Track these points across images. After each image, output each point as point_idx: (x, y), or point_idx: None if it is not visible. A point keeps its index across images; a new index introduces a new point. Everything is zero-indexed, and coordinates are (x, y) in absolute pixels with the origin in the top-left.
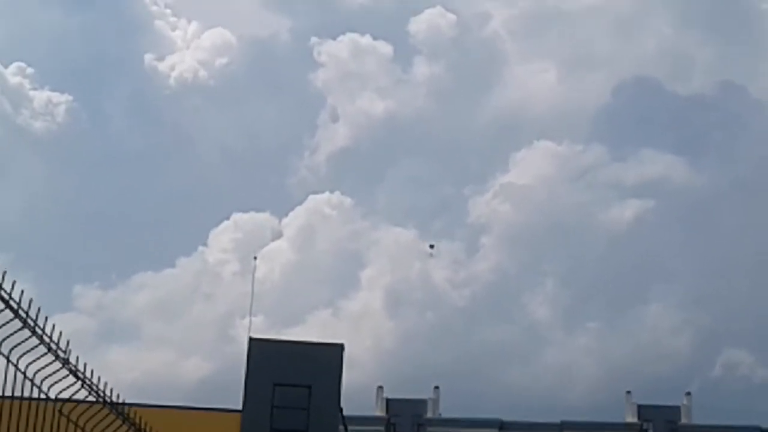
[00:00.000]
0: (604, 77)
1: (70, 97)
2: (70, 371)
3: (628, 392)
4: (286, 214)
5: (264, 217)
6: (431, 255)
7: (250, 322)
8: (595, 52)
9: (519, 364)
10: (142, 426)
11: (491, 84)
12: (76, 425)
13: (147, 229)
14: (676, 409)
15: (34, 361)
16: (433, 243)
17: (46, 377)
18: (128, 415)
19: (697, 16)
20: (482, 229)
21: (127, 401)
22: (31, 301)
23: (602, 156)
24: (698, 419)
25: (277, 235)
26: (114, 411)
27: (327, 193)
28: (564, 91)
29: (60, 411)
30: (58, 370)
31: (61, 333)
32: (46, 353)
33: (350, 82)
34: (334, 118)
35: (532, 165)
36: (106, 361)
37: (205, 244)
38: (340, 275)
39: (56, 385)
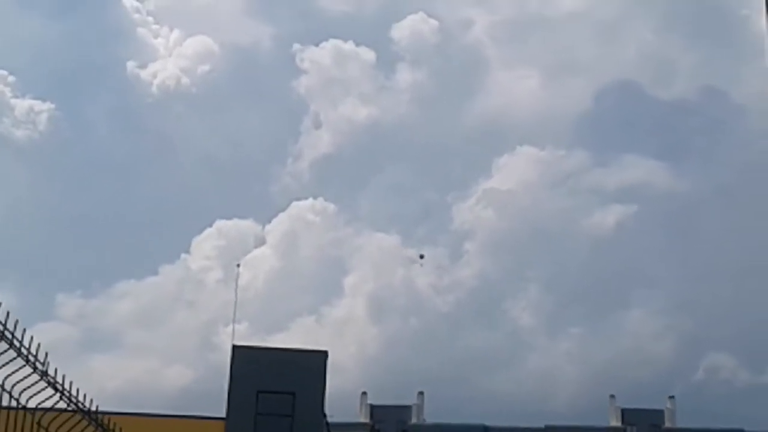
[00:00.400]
0: (587, 83)
1: (53, 105)
2: (49, 383)
3: (612, 396)
4: (269, 221)
5: (247, 224)
6: (421, 265)
7: (234, 329)
8: (578, 58)
9: (503, 370)
10: None
11: (474, 90)
12: None
13: (129, 236)
14: (659, 413)
15: (12, 373)
16: (423, 254)
17: (24, 389)
18: (108, 425)
19: (679, 22)
20: (465, 235)
21: (109, 410)
22: (8, 313)
23: (585, 161)
24: (682, 423)
25: (261, 242)
26: (93, 421)
27: (310, 200)
28: (546, 96)
29: (39, 423)
30: (36, 382)
31: (39, 345)
32: (24, 365)
33: (333, 89)
34: (317, 125)
35: (515, 171)
36: (89, 369)
37: (187, 252)
38: (323, 282)
39: (35, 397)
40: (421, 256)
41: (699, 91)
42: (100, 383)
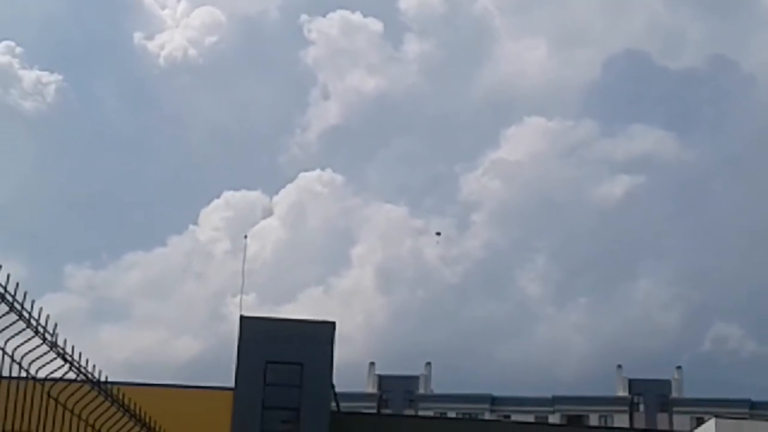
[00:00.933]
0: (595, 52)
1: (60, 77)
2: (58, 354)
3: (619, 366)
4: (277, 192)
5: (255, 195)
6: (437, 242)
7: (242, 300)
8: (586, 28)
9: (510, 340)
10: (131, 406)
11: (482, 61)
12: (64, 407)
13: (138, 208)
14: (666, 383)
15: (21, 344)
16: (439, 231)
17: (33, 360)
18: (116, 395)
19: None
20: (473, 206)
21: (118, 380)
22: (17, 285)
23: (593, 132)
24: (689, 393)
25: (268, 213)
26: (102, 392)
27: (318, 171)
28: (554, 66)
29: (48, 393)
30: (45, 353)
31: (48, 316)
32: (33, 336)
33: (341, 60)
34: (326, 96)
35: (523, 141)
36: (98, 340)
37: (196, 223)
38: (331, 253)
39: (44, 368)
40: (438, 233)
41: (708, 61)
42: (108, 354)
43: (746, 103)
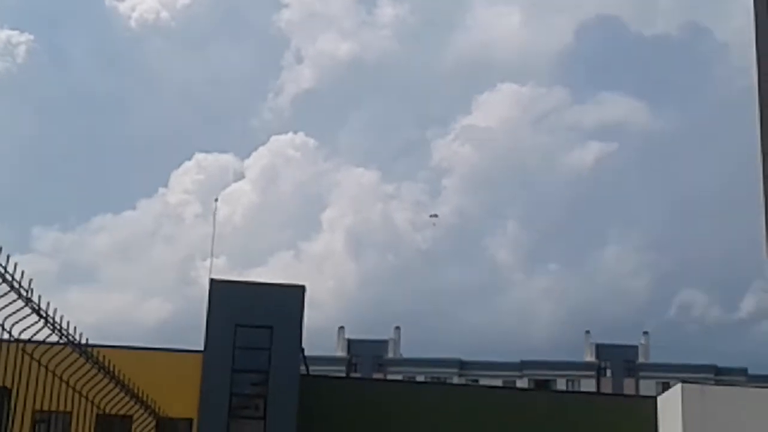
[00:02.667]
0: (568, 19)
1: (31, 37)
2: (33, 309)
3: (587, 332)
4: (249, 156)
5: (227, 158)
6: (434, 224)
7: (212, 263)
8: None
9: (480, 306)
10: (107, 366)
11: (455, 26)
12: (39, 363)
13: (107, 171)
14: (633, 349)
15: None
16: (435, 213)
17: (8, 316)
18: (92, 354)
19: None
20: (444, 172)
21: (88, 342)
22: None
23: (565, 98)
24: (655, 358)
25: (239, 177)
26: (78, 350)
27: (290, 134)
28: (528, 33)
29: (23, 350)
30: (20, 309)
31: (23, 272)
32: (8, 291)
33: (314, 23)
34: (299, 60)
35: (495, 107)
36: (66, 302)
37: (166, 186)
38: (302, 217)
39: (19, 324)
40: (434, 215)
41: (682, 28)
42: (77, 316)
43: (719, 70)
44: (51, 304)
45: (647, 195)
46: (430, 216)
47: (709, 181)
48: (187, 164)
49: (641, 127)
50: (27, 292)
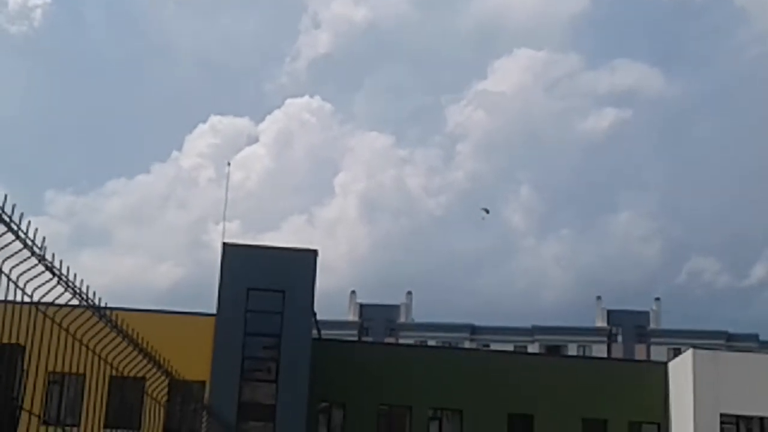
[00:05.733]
0: None
1: (48, 0)
2: (47, 267)
3: (598, 298)
4: (263, 119)
5: (242, 122)
6: (483, 218)
7: (224, 227)
8: None
9: (491, 271)
10: (124, 328)
11: None
12: (53, 321)
13: (121, 134)
14: (644, 314)
15: (9, 257)
16: (487, 208)
17: (21, 274)
18: (107, 315)
19: None
20: (458, 137)
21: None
22: (6, 196)
23: (580, 64)
24: (666, 324)
25: (253, 140)
26: (93, 311)
27: (306, 98)
28: None
29: (37, 308)
30: (33, 267)
31: (36, 230)
32: (21, 249)
33: None
34: (316, 25)
35: (510, 73)
36: (80, 265)
37: (179, 150)
38: (315, 181)
39: (32, 282)
40: (486, 211)
41: None
42: (90, 279)
43: (736, 37)
44: (69, 269)
45: (660, 161)
46: (482, 209)
47: (723, 149)
48: (202, 128)
49: (655, 94)
50: (40, 249)
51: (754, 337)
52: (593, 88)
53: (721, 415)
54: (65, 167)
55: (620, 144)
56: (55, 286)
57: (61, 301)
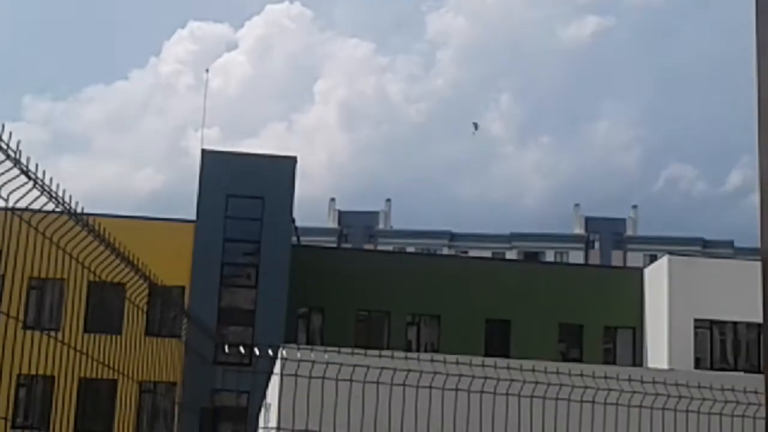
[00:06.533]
0: None
1: None
2: (22, 171)
3: (577, 205)
4: (243, 25)
5: (221, 28)
6: (473, 133)
7: (203, 134)
8: None
9: (471, 178)
10: (103, 234)
11: None
12: (30, 225)
13: (99, 40)
14: (621, 222)
15: None
16: (476, 122)
17: (4, 183)
18: (86, 220)
19: None
20: (439, 45)
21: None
22: None
23: None
24: (643, 231)
25: (233, 47)
26: (72, 217)
27: (286, 3)
28: None
29: (13, 212)
30: (8, 170)
31: (11, 133)
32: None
33: None
34: None
35: None
36: (58, 171)
37: (158, 56)
38: (295, 88)
39: (7, 186)
40: (475, 125)
41: None
42: (69, 185)
43: None
44: (44, 173)
45: (641, 70)
46: (473, 123)
47: (704, 57)
48: (180, 33)
49: (639, 1)
50: (15, 153)
51: (729, 244)
52: None
53: (695, 320)
54: (43, 73)
55: (602, 52)
56: (31, 190)
57: (40, 207)
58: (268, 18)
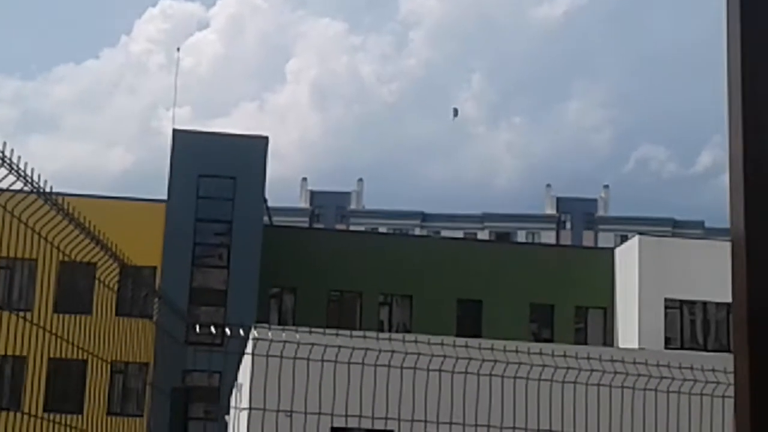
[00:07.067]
0: None
1: None
2: None
3: (548, 185)
4: (215, 4)
5: (193, 7)
6: (453, 120)
7: (174, 113)
8: None
9: (443, 159)
10: (74, 214)
11: None
12: (3, 207)
13: (69, 18)
14: (593, 202)
15: None
16: (456, 107)
17: None
18: (56, 200)
19: None
20: (411, 25)
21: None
22: None
23: None
24: (614, 211)
25: (204, 26)
26: (41, 196)
27: None
28: None
29: None
30: None
31: None
32: None
33: None
34: None
35: None
36: (28, 151)
37: (128, 35)
38: (267, 68)
39: None
40: (455, 111)
41: None
42: (40, 165)
43: None
44: (12, 151)
45: (614, 51)
46: (453, 108)
47: (677, 38)
48: (152, 11)
49: None
50: None
51: (699, 224)
52: None
53: (666, 299)
54: (12, 51)
55: (574, 32)
56: (6, 176)
57: (8, 187)
58: None
